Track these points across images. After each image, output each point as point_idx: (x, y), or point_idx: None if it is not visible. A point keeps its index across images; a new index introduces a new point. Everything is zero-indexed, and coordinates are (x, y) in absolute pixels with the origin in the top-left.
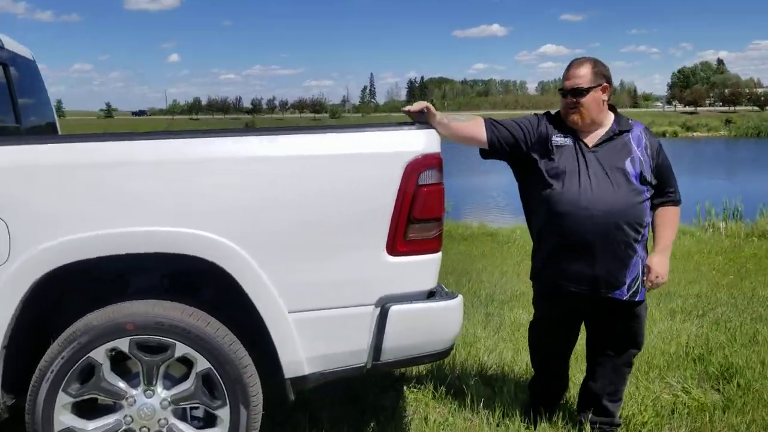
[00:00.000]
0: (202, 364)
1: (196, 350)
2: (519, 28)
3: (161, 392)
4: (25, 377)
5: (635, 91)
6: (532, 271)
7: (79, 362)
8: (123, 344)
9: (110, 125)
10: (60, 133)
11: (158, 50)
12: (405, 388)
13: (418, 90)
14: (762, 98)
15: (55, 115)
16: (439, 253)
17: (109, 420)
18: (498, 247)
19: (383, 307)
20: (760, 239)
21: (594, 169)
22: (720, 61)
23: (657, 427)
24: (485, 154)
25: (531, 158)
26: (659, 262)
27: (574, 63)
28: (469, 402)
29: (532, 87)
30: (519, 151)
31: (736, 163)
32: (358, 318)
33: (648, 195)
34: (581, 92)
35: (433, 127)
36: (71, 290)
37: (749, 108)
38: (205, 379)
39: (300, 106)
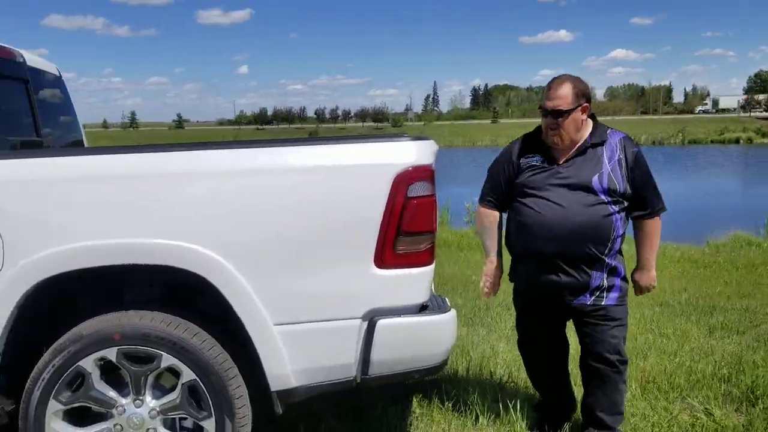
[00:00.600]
0: (188, 375)
1: (181, 361)
2: (586, 33)
3: (150, 402)
4: (23, 383)
5: (708, 95)
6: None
7: (69, 370)
8: (111, 354)
9: (179, 135)
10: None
11: (229, 62)
12: (414, 401)
13: (482, 97)
14: None
15: (82, 131)
16: (432, 266)
17: (99, 428)
18: None
19: (371, 320)
20: None
21: (558, 188)
22: None
23: None
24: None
25: (514, 183)
26: (641, 277)
27: (555, 82)
28: (475, 419)
29: (600, 93)
30: (510, 187)
31: None
32: (345, 331)
33: (617, 208)
34: (561, 114)
35: (428, 138)
36: (63, 300)
37: None
38: (192, 390)
39: (362, 115)
